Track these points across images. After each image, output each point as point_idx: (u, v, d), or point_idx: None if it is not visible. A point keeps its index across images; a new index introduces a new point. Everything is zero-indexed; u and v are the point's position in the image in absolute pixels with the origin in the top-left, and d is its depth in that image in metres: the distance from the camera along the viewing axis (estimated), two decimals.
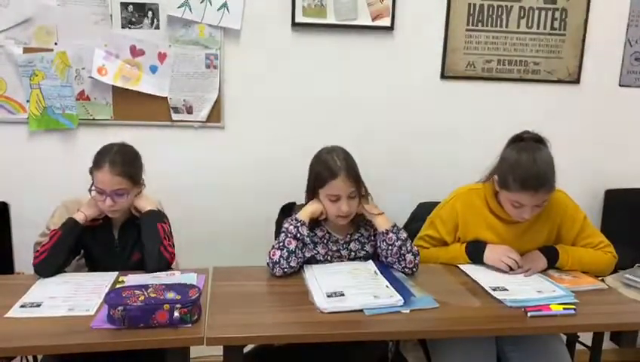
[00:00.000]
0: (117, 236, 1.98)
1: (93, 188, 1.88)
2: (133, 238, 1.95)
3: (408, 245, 1.91)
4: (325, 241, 1.98)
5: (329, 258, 1.97)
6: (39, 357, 1.97)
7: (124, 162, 1.88)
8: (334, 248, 1.98)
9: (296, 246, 1.86)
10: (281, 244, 1.86)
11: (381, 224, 1.94)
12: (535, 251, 1.97)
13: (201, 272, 1.85)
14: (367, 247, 2.01)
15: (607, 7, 2.62)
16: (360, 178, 1.93)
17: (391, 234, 1.90)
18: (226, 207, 2.57)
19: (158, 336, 1.47)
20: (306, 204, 1.97)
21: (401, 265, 1.89)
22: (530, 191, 1.81)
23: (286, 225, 1.90)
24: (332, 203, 1.89)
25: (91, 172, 1.89)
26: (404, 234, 1.93)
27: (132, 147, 1.98)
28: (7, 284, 1.81)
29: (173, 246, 1.95)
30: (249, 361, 1.79)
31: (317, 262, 1.95)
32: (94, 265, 1.98)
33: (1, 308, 1.56)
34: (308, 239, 1.90)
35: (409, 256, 1.89)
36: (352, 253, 1.99)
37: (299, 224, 1.88)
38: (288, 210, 2.02)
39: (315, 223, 1.96)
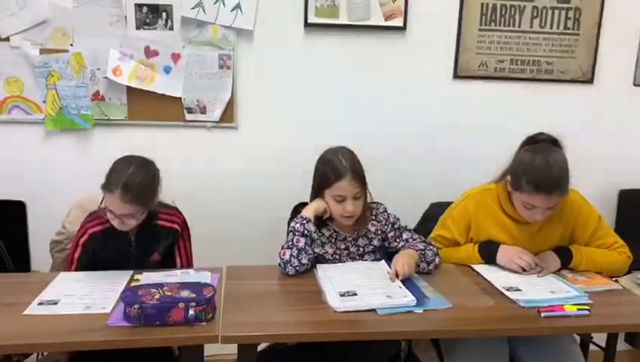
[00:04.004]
0: (134, 238, 1.91)
1: (103, 204, 1.80)
2: (151, 239, 1.91)
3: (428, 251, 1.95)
4: (333, 240, 1.99)
5: (338, 256, 1.98)
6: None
7: (137, 188, 1.74)
8: (342, 246, 1.99)
9: (305, 242, 1.87)
10: (290, 243, 1.87)
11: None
12: (549, 251, 1.96)
13: (215, 271, 1.86)
14: (375, 241, 2.01)
15: (621, 6, 2.61)
16: (365, 178, 1.93)
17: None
18: (240, 206, 2.58)
19: (173, 334, 1.48)
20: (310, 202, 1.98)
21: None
22: (543, 194, 1.80)
23: (292, 224, 1.91)
24: (337, 203, 1.90)
25: (103, 188, 1.77)
26: (420, 246, 1.96)
27: (150, 165, 1.83)
28: (25, 282, 1.84)
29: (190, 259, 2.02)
30: (263, 359, 1.82)
31: (326, 261, 1.96)
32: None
33: (19, 306, 1.59)
34: (315, 235, 1.91)
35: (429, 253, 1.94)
36: (361, 249, 2.00)
37: (304, 221, 1.89)
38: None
39: (321, 223, 1.97)
